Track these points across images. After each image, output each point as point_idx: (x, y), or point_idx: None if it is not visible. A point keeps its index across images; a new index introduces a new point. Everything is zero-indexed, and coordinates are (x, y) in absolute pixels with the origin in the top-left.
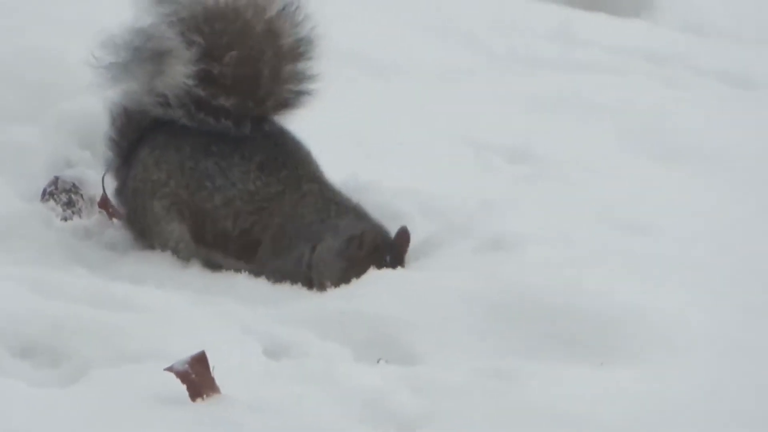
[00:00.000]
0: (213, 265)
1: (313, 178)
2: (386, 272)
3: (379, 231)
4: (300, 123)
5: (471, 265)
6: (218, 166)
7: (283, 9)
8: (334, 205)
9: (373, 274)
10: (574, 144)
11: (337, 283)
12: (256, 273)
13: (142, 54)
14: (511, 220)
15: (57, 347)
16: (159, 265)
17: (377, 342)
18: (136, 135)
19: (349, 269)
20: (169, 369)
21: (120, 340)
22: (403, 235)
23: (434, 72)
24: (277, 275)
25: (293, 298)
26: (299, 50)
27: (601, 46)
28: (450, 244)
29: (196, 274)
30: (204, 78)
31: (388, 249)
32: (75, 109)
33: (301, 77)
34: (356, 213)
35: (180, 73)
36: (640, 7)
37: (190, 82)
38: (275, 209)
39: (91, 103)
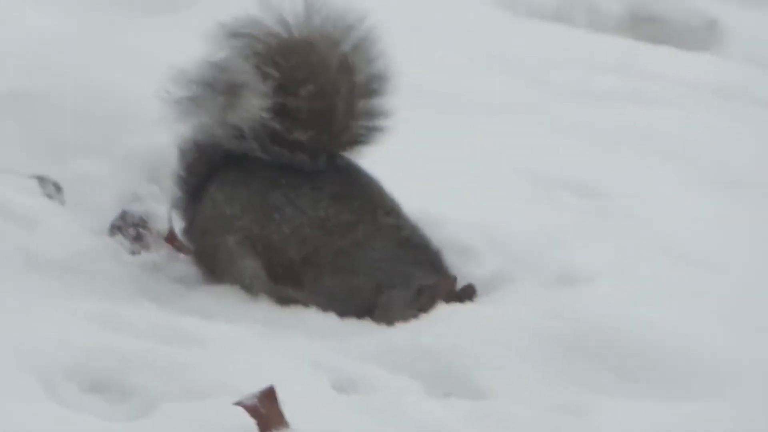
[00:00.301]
0: (284, 300)
1: (389, 210)
2: (454, 306)
3: (451, 283)
4: (368, 155)
5: (539, 300)
6: (286, 197)
7: (357, 44)
8: (410, 248)
9: (439, 309)
10: (640, 178)
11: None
12: (314, 299)
13: (216, 87)
14: (578, 254)
15: (126, 382)
16: (227, 298)
17: (446, 376)
18: (206, 171)
19: (416, 317)
20: (238, 403)
21: (188, 375)
22: (470, 291)
23: (499, 105)
24: (325, 297)
25: (362, 331)
26: (373, 86)
27: (666, 80)
28: (518, 279)
29: (264, 307)
30: (279, 111)
31: (455, 301)
32: (143, 143)
33: (374, 113)
34: (431, 259)
35: (255, 106)
36: (706, 40)
37: (266, 115)
38: (345, 236)
39: (159, 137)
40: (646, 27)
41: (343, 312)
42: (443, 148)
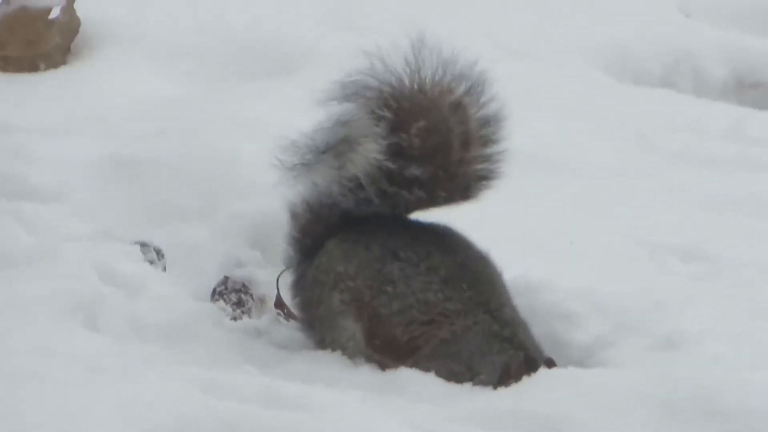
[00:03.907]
0: (378, 364)
1: (490, 308)
2: (556, 370)
3: (529, 362)
4: (477, 220)
5: (644, 364)
6: (403, 273)
7: (470, 88)
8: (498, 340)
9: (542, 373)
10: (750, 243)
11: None
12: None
13: (331, 146)
14: (684, 318)
15: None
16: (329, 363)
17: None
18: (321, 232)
19: None
20: None
21: None
22: (549, 364)
23: (607, 171)
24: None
25: (463, 395)
26: (487, 129)
27: None
28: (623, 343)
29: (366, 372)
30: (394, 151)
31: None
32: (246, 208)
33: (488, 157)
34: (517, 344)
35: (371, 150)
36: None
37: (381, 156)
38: (446, 325)
39: (262, 202)
40: (751, 92)
41: None
42: (551, 212)
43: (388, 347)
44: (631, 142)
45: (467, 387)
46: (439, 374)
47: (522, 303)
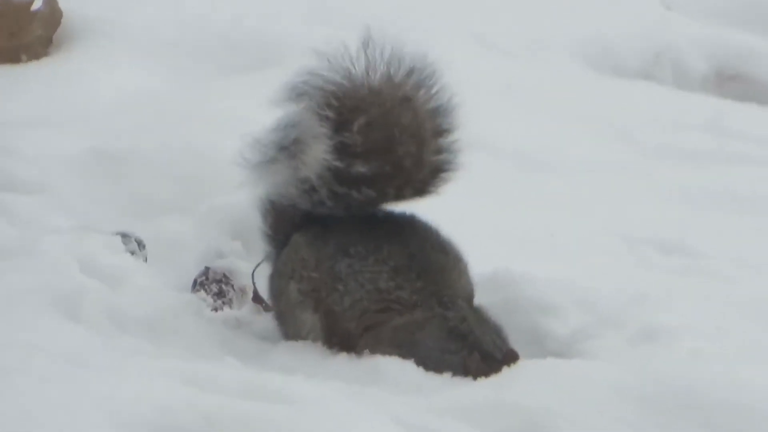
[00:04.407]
0: None
1: (443, 300)
2: (536, 362)
3: (487, 359)
4: (455, 216)
5: (623, 357)
6: (351, 269)
7: (419, 82)
8: (456, 338)
9: (522, 365)
10: (729, 237)
11: None
12: None
13: (285, 146)
14: (663, 312)
15: None
16: (310, 355)
17: None
18: (289, 228)
19: None
20: None
21: None
22: (509, 359)
23: (588, 165)
24: None
25: (443, 387)
26: (439, 122)
27: (753, 138)
28: (602, 336)
29: (346, 363)
30: (340, 150)
31: (496, 368)
32: (226, 201)
33: (441, 149)
34: (473, 342)
35: (319, 151)
36: None
37: (329, 156)
38: (403, 315)
39: (243, 195)
40: (731, 85)
41: None
42: (531, 207)
43: (344, 343)
44: (612, 136)
45: (447, 378)
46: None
47: (503, 296)
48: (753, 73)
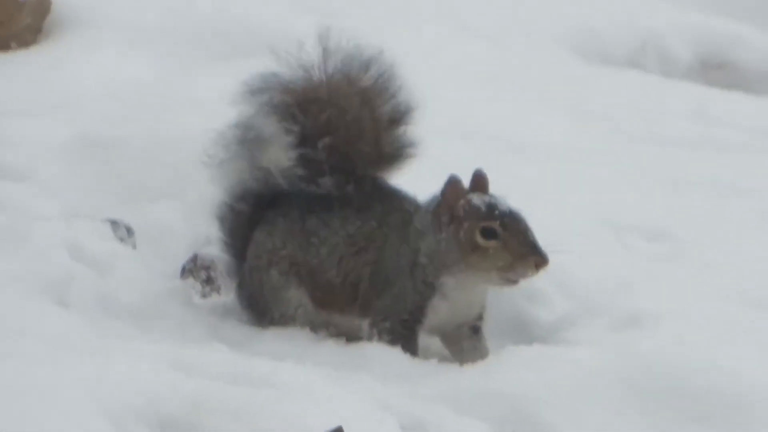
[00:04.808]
0: (337, 332)
1: (401, 207)
2: (522, 349)
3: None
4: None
5: (608, 343)
6: (321, 220)
7: (377, 80)
8: (413, 229)
9: (508, 351)
10: (713, 224)
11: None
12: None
13: (245, 143)
14: (648, 298)
15: (196, 424)
16: (298, 341)
17: (513, 418)
18: (246, 230)
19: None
20: None
21: (259, 417)
22: (479, 178)
23: (573, 152)
24: (383, 315)
25: (429, 373)
26: (396, 117)
27: (738, 125)
28: (587, 322)
29: (333, 350)
30: (303, 160)
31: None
32: (213, 190)
33: (399, 143)
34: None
35: (281, 158)
36: None
37: (292, 163)
38: (370, 247)
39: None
40: (716, 73)
41: (399, 315)
42: (516, 193)
43: (329, 298)
44: (597, 123)
45: (434, 364)
46: (393, 305)
47: None
48: (739, 61)
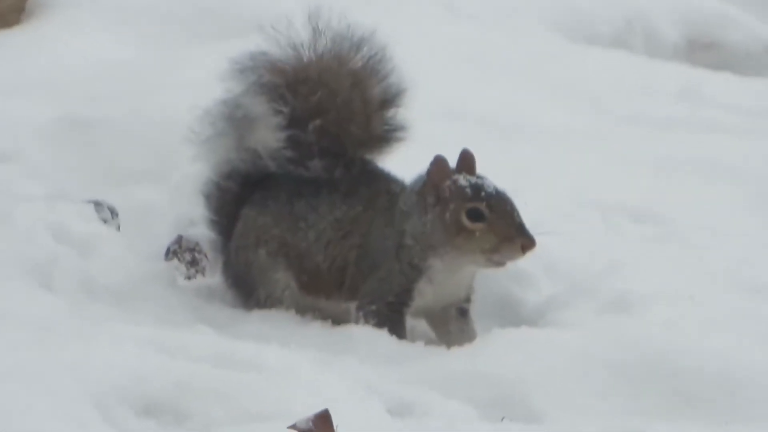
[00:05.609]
0: (324, 316)
1: (387, 189)
2: (510, 331)
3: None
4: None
5: (595, 325)
6: (309, 205)
7: (368, 61)
8: (398, 211)
9: (496, 333)
10: (701, 205)
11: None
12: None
13: (233, 121)
14: (635, 280)
15: (181, 406)
16: (282, 323)
17: (500, 401)
18: (232, 207)
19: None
20: (293, 427)
21: (244, 399)
22: (466, 157)
23: (559, 133)
24: (371, 298)
25: (416, 356)
26: (387, 98)
27: (725, 106)
28: (574, 304)
29: (318, 332)
30: (293, 142)
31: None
32: (199, 169)
33: (389, 125)
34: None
35: (270, 138)
36: (765, 65)
37: (280, 144)
38: (356, 230)
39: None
40: (704, 53)
41: (389, 295)
42: (503, 175)
43: (316, 282)
44: (584, 104)
45: (420, 347)
46: (380, 287)
47: None
48: (726, 42)
